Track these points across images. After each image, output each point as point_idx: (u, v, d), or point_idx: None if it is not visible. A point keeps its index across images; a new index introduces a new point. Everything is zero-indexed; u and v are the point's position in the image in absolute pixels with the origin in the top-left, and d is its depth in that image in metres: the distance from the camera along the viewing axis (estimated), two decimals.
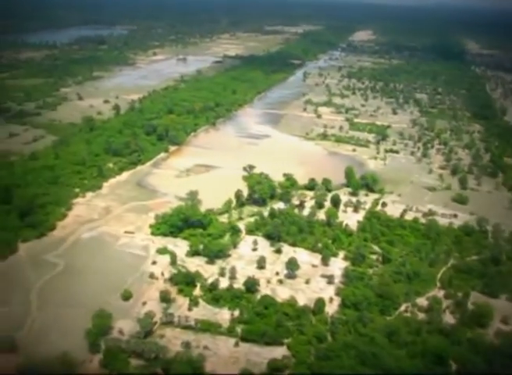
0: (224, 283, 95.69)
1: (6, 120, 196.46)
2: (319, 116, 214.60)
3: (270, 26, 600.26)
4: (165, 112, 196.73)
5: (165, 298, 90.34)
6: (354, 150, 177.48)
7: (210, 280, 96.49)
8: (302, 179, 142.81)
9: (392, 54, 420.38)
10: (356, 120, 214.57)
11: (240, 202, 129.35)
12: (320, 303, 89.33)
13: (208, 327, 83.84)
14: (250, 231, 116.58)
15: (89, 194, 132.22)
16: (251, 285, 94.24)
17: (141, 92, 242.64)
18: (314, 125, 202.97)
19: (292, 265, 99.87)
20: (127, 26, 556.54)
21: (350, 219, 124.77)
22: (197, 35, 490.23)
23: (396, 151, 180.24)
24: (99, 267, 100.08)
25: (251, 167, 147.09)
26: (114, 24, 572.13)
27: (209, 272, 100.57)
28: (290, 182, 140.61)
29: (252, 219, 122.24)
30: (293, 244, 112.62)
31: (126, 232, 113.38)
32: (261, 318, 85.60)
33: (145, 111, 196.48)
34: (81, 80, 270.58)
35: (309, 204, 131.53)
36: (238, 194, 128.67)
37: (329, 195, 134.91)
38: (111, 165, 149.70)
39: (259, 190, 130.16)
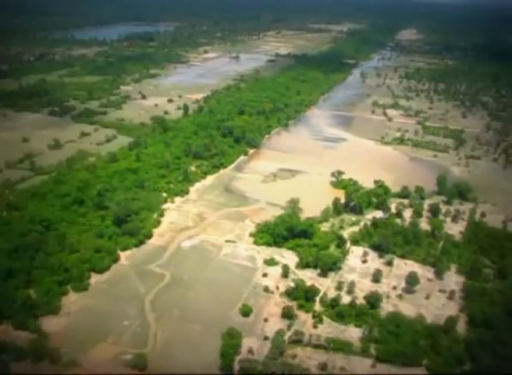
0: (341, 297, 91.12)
1: (74, 119, 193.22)
2: (390, 119, 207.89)
3: (313, 24, 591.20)
4: (235, 113, 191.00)
5: (287, 314, 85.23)
6: (436, 156, 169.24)
7: (330, 295, 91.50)
8: (391, 186, 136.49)
9: (444, 54, 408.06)
10: (427, 124, 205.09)
11: (337, 210, 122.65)
12: (451, 321, 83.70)
13: (340, 346, 79.22)
14: (355, 242, 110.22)
15: (177, 199, 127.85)
16: (374, 300, 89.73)
17: (203, 91, 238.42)
18: (387, 128, 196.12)
19: (412, 279, 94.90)
20: (170, 23, 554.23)
21: (452, 229, 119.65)
22: (243, 33, 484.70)
23: (478, 158, 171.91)
24: (208, 279, 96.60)
25: (340, 173, 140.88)
26: (156, 21, 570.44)
27: (324, 285, 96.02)
28: (383, 189, 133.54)
29: (353, 229, 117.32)
30: (403, 256, 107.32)
31: (227, 241, 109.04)
32: (394, 337, 79.72)
33: (216, 112, 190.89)
34: (139, 78, 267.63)
35: (406, 213, 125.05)
36: (336, 202, 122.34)
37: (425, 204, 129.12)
38: (193, 168, 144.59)
39: (357, 198, 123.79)
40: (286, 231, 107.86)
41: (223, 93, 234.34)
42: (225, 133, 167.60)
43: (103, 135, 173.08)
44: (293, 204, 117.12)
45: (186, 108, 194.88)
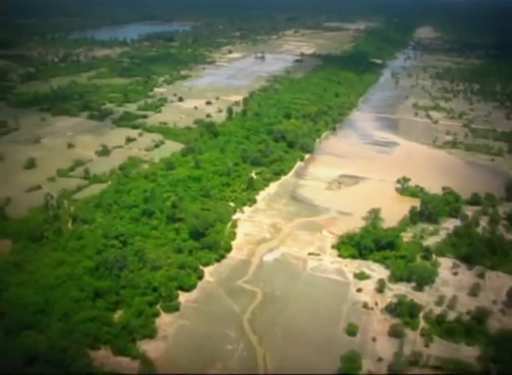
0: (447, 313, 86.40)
1: (115, 123, 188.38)
2: (435, 122, 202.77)
3: (328, 23, 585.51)
4: (282, 116, 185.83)
5: (395, 333, 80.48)
6: (493, 160, 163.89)
7: (433, 310, 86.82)
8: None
9: (467, 52, 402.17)
10: (473, 126, 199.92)
11: (413, 219, 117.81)
12: None
13: (459, 367, 74.00)
14: (440, 252, 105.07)
15: (246, 209, 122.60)
16: (482, 316, 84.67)
17: (239, 93, 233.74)
18: (434, 131, 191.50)
19: None
20: (184, 23, 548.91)
21: None
22: (261, 32, 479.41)
23: None
24: (301, 295, 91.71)
25: (406, 179, 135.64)
26: (170, 20, 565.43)
27: (422, 300, 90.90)
28: (453, 196, 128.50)
29: (434, 239, 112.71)
30: (492, 268, 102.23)
31: (310, 254, 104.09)
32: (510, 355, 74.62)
33: (261, 115, 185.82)
34: (170, 79, 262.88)
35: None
36: (413, 211, 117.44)
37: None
38: (253, 175, 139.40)
39: (433, 206, 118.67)
40: (372, 243, 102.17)
41: (261, 95, 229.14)
42: (277, 137, 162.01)
43: (149, 140, 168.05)
44: (374, 214, 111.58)
45: (230, 111, 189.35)
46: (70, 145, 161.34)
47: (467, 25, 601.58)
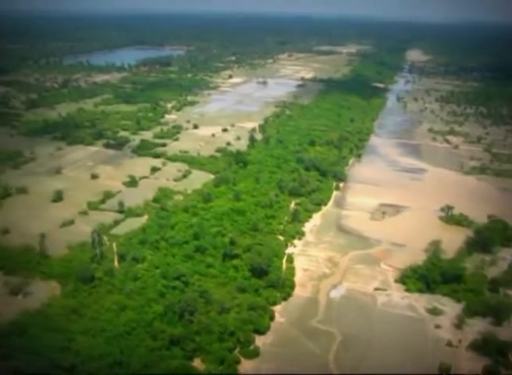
0: None
1: (135, 152, 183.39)
2: (456, 147, 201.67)
3: (318, 46, 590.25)
4: (306, 144, 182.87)
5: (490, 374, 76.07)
6: None
7: None
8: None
9: (462, 75, 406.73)
10: (494, 151, 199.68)
11: (468, 250, 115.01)
12: None
13: None
14: (507, 284, 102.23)
15: (296, 242, 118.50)
16: None
17: (251, 119, 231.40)
18: (458, 157, 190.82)
19: None
20: (176, 47, 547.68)
21: None
22: (255, 56, 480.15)
23: None
24: (380, 334, 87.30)
25: (449, 208, 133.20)
26: (161, 45, 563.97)
27: (504, 336, 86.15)
28: (501, 225, 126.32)
29: (494, 269, 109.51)
30: None
31: (376, 289, 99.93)
32: None
33: (285, 142, 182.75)
34: (178, 105, 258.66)
35: None
36: (468, 242, 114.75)
37: None
38: (293, 206, 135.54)
39: (487, 236, 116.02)
40: (439, 276, 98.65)
41: (275, 121, 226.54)
42: (308, 166, 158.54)
43: (174, 169, 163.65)
44: (435, 246, 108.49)
45: (252, 139, 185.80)
46: (94, 176, 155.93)
47: (454, 48, 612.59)
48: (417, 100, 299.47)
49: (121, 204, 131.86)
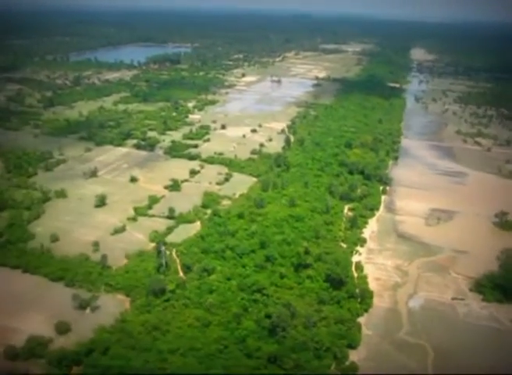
0: None
1: (168, 154, 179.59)
2: (488, 150, 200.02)
3: (324, 45, 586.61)
4: (343, 146, 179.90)
5: None
6: None
7: None
8: None
9: (473, 76, 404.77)
10: None
11: None
12: None
13: None
14: None
15: (361, 250, 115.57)
16: None
17: (277, 120, 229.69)
18: (492, 160, 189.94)
19: None
20: (180, 44, 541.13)
21: None
22: (262, 54, 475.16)
23: None
24: (472, 347, 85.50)
25: (504, 213, 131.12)
26: (164, 42, 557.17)
27: None
28: None
29: None
30: None
31: (454, 299, 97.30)
32: None
33: (321, 144, 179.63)
34: (199, 105, 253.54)
35: None
36: None
37: None
38: (346, 211, 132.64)
39: None
40: None
41: (303, 122, 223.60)
42: (352, 170, 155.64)
43: (214, 172, 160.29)
44: (506, 253, 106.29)
45: (288, 141, 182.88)
46: (133, 179, 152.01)
47: (456, 47, 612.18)
48: (436, 101, 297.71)
49: (171, 210, 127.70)
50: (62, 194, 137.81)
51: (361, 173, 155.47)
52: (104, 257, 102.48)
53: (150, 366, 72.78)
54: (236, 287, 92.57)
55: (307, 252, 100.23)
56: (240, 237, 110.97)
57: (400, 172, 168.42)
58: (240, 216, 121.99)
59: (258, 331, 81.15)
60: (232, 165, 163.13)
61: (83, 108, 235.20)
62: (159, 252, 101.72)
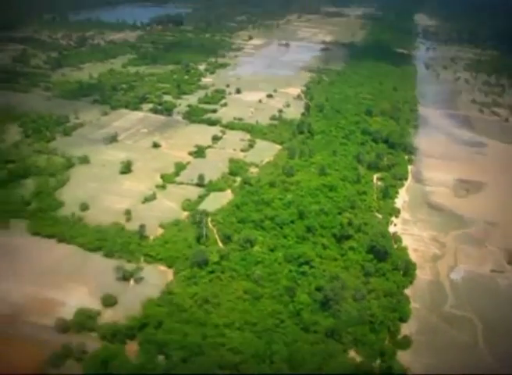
0: None
1: (187, 119, 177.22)
2: (506, 120, 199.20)
3: (324, 7, 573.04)
4: (363, 114, 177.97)
5: None
6: None
7: None
8: None
9: (480, 43, 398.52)
10: None
11: None
12: None
13: None
14: None
15: (395, 220, 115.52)
16: None
17: (291, 85, 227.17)
18: (511, 130, 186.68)
19: None
20: (179, 5, 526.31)
21: None
22: (265, 16, 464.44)
23: None
24: None
25: None
26: (164, 2, 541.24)
27: None
28: None
29: None
30: None
31: (492, 271, 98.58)
32: None
33: (341, 111, 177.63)
34: (211, 68, 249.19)
35: None
36: None
37: None
38: (375, 181, 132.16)
39: None
40: None
41: (318, 87, 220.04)
42: (376, 138, 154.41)
43: (237, 139, 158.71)
44: None
45: (307, 107, 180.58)
46: (156, 145, 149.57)
47: (456, 13, 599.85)
48: (446, 68, 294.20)
49: (201, 177, 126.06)
50: (85, 160, 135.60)
51: (385, 141, 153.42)
52: (142, 227, 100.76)
53: (209, 340, 71.94)
54: (282, 258, 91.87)
55: (350, 223, 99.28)
56: (276, 206, 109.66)
57: (421, 141, 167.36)
58: (272, 184, 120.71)
59: (311, 304, 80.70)
60: (254, 131, 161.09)
61: (92, 70, 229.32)
62: (199, 222, 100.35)
